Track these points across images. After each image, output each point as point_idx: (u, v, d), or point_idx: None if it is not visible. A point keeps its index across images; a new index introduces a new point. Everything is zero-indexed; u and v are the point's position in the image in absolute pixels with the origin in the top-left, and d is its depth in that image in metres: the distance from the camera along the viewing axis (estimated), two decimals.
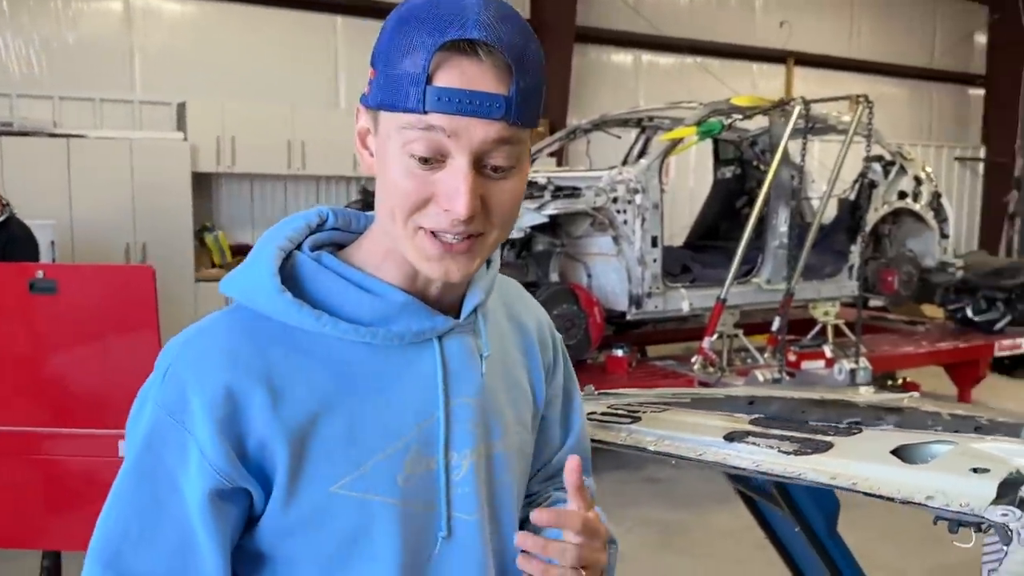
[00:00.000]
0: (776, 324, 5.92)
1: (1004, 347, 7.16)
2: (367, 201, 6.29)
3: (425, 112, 0.80)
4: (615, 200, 5.49)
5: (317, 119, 8.44)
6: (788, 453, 1.06)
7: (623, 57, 11.66)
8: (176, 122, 7.92)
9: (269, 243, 0.92)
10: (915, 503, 0.90)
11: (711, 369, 5.50)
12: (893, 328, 7.73)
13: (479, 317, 0.95)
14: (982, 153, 14.24)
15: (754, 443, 1.10)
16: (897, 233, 7.17)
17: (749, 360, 6.04)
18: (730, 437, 1.14)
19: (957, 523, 0.89)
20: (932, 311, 8.25)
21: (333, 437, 0.86)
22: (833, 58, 13.11)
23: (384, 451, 0.88)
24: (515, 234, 5.12)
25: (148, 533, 0.84)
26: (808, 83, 12.27)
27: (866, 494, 0.93)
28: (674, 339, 7.31)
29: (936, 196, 7.24)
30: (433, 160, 0.82)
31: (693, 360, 5.57)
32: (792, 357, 5.97)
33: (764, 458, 1.06)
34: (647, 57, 11.89)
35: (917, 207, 7.09)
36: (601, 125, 7.06)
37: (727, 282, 5.58)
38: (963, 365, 7.08)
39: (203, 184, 8.07)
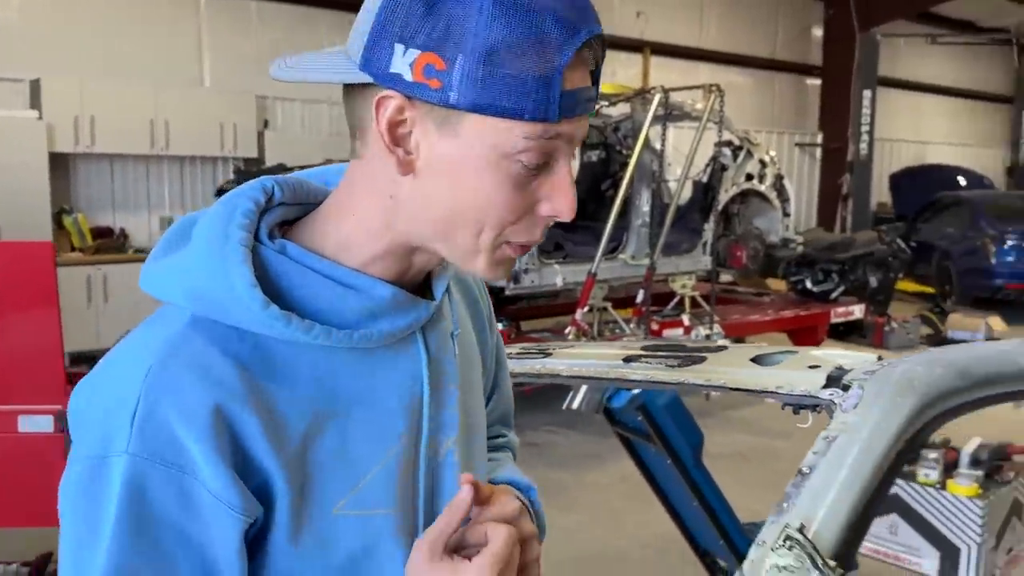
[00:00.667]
0: (640, 296, 6.40)
1: (839, 314, 7.95)
2: (240, 181, 6.25)
3: (558, 120, 0.70)
4: None
5: (181, 98, 8.24)
6: (673, 367, 1.34)
7: None
8: (30, 100, 7.53)
9: (224, 237, 0.75)
10: (769, 392, 1.19)
11: (584, 339, 5.87)
12: (742, 299, 8.41)
13: (447, 295, 0.88)
14: (819, 139, 15.49)
15: (647, 362, 1.38)
16: (745, 212, 7.80)
17: (617, 330, 6.47)
18: (627, 360, 1.41)
19: (799, 406, 1.19)
20: (776, 283, 9.01)
21: (327, 458, 0.77)
22: (685, 48, 13.86)
23: (379, 462, 0.80)
24: None
25: None
26: (663, 72, 12.95)
27: (733, 389, 1.21)
28: (547, 314, 7.67)
29: (779, 178, 7.93)
30: (540, 166, 0.74)
31: (567, 331, 5.93)
32: (655, 326, 6.46)
33: (655, 373, 1.34)
34: None
35: (762, 188, 7.75)
36: None
37: (597, 258, 5.97)
38: (804, 331, 7.81)
39: (61, 165, 7.72)
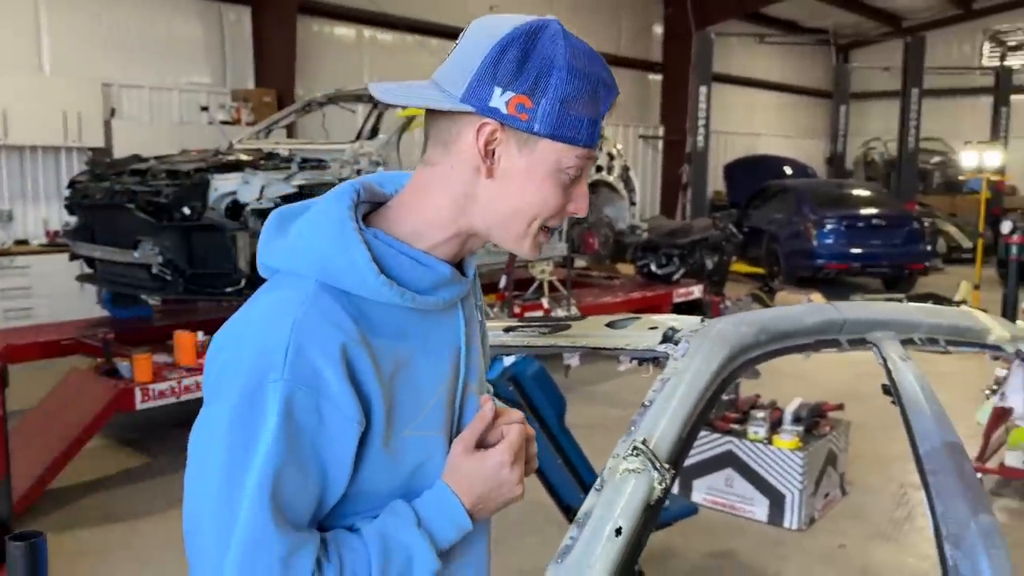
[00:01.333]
0: (503, 282, 6.76)
1: (680, 294, 8.62)
2: (95, 172, 6.10)
3: (593, 147, 1.05)
4: (359, 172, 5.90)
5: (19, 85, 7.84)
6: (545, 334, 1.64)
7: (346, 31, 11.92)
8: None
9: (341, 225, 1.02)
10: (617, 348, 1.51)
11: None
12: (595, 283, 8.95)
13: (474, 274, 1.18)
14: (661, 132, 16.42)
15: (523, 332, 1.66)
16: (596, 201, 8.31)
17: None
18: (507, 330, 1.69)
19: (643, 359, 1.51)
20: (625, 268, 9.62)
21: (405, 390, 1.04)
22: None
23: (435, 395, 1.08)
24: (265, 204, 5.34)
25: (300, 489, 0.97)
26: None
27: (592, 348, 1.52)
28: None
29: (625, 169, 8.49)
30: (575, 178, 1.06)
31: None
32: (517, 309, 6.83)
33: (531, 340, 1.63)
34: (369, 32, 12.23)
35: (611, 179, 8.27)
36: (336, 99, 7.37)
37: None
38: (650, 310, 8.40)
39: None
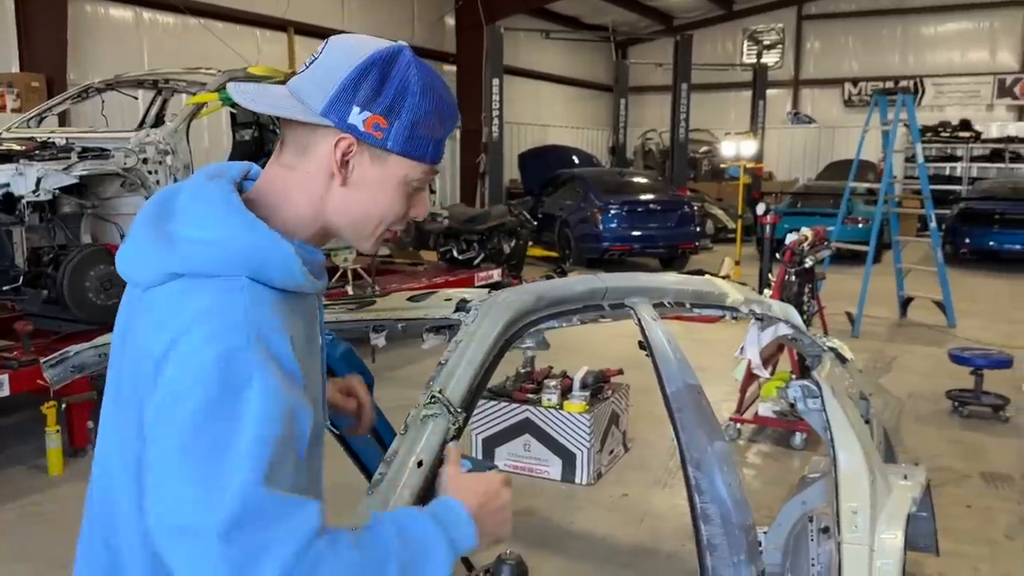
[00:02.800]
0: None
1: (481, 278, 8.99)
2: None
3: (436, 163, 1.20)
4: (145, 161, 5.71)
5: None
6: (353, 309, 1.83)
7: (123, 13, 11.25)
8: None
9: (257, 225, 1.09)
10: (418, 319, 1.74)
11: None
12: (400, 269, 9.13)
13: None
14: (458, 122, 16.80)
15: (331, 309, 1.86)
16: None
17: None
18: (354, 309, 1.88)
19: (436, 328, 1.75)
20: (429, 254, 9.87)
21: (308, 371, 1.11)
22: (328, 30, 14.16)
23: (318, 375, 1.22)
24: (42, 196, 5.06)
25: (284, 461, 1.00)
26: (309, 52, 13.17)
27: (390, 320, 1.73)
28: None
29: None
30: (418, 189, 1.22)
31: None
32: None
33: (340, 315, 1.82)
34: (148, 15, 11.62)
35: None
36: (116, 85, 7.02)
37: None
38: None
39: None
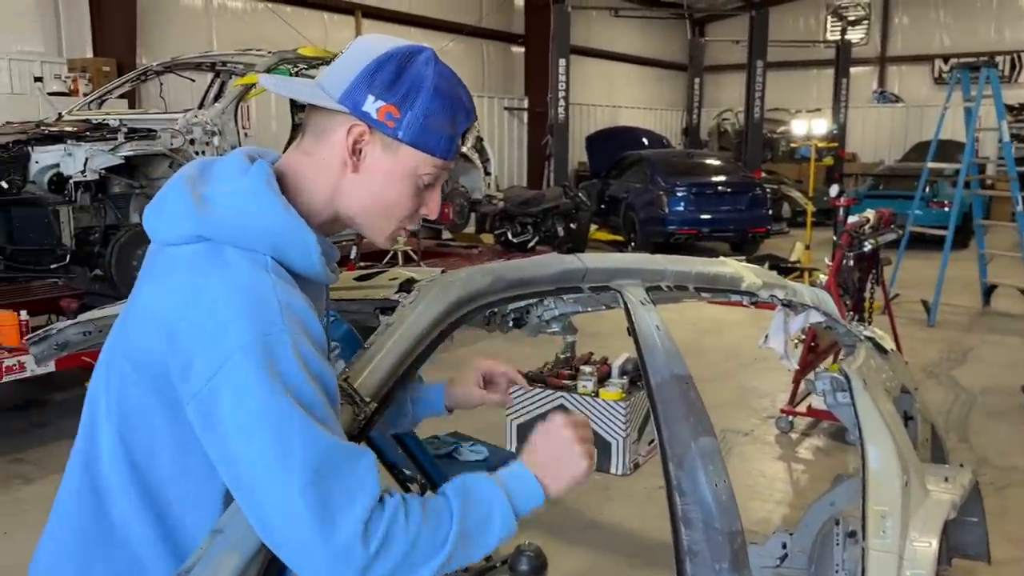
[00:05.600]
0: (353, 253, 6.77)
1: None
2: None
3: (448, 159, 1.21)
4: (192, 142, 5.77)
5: None
6: None
7: None
8: None
9: (287, 208, 1.13)
10: (368, 300, 1.62)
11: None
12: (453, 252, 9.07)
13: None
14: (526, 104, 16.64)
15: None
16: (452, 171, 8.39)
17: None
18: None
19: (383, 308, 1.63)
20: (487, 237, 9.79)
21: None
22: (397, 13, 14.21)
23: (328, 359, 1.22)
24: (89, 176, 5.16)
25: (330, 417, 1.08)
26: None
27: (336, 300, 1.62)
28: None
29: (479, 140, 8.60)
30: (430, 185, 1.22)
31: None
32: None
33: None
34: (217, 0, 11.82)
35: (465, 149, 8.37)
36: (173, 68, 7.13)
37: None
38: None
39: None
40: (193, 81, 7.41)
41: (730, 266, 2.48)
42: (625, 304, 1.93)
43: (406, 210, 1.21)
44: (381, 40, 1.20)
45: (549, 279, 1.83)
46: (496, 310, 1.90)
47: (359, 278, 1.74)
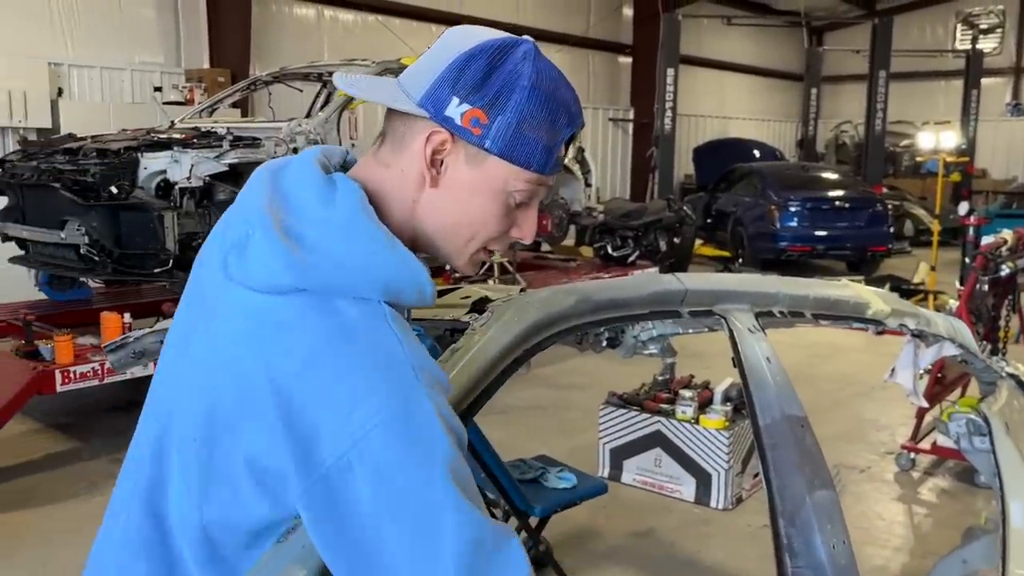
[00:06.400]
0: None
1: None
2: (26, 151, 5.97)
3: (547, 174, 1.01)
4: (295, 150, 5.80)
5: None
6: None
7: (305, 11, 11.76)
8: None
9: (391, 238, 0.96)
10: (437, 320, 1.46)
11: None
12: (551, 264, 8.88)
13: None
14: (631, 115, 16.34)
15: None
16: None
17: None
18: None
19: (454, 330, 1.46)
20: (586, 250, 9.57)
21: None
22: (502, 24, 14.20)
23: None
24: (194, 182, 5.24)
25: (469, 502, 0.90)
26: None
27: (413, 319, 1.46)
28: None
29: (580, 151, 8.40)
30: (522, 203, 1.02)
31: None
32: None
33: None
34: (329, 12, 12.08)
35: (566, 160, 8.19)
36: (281, 78, 7.25)
37: None
38: None
39: None
40: (301, 91, 7.51)
41: (853, 290, 2.20)
42: (731, 331, 1.70)
43: (493, 231, 1.03)
44: (473, 31, 1.01)
45: (643, 301, 1.62)
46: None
47: None
